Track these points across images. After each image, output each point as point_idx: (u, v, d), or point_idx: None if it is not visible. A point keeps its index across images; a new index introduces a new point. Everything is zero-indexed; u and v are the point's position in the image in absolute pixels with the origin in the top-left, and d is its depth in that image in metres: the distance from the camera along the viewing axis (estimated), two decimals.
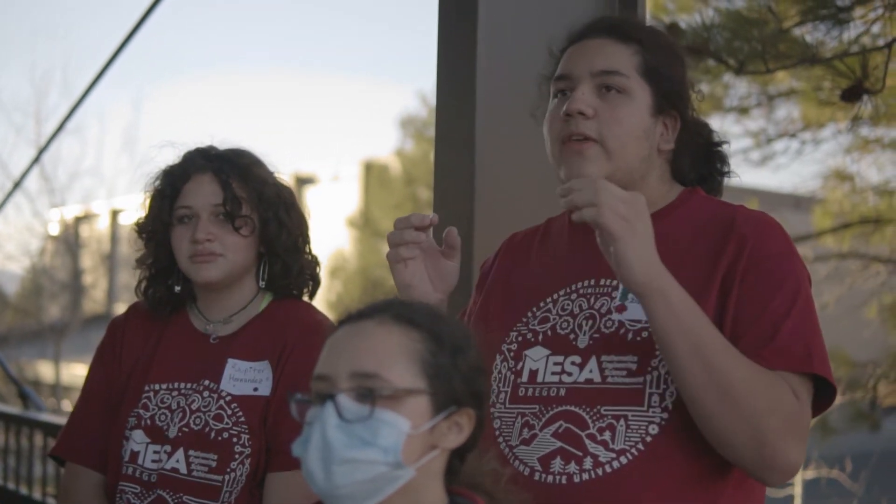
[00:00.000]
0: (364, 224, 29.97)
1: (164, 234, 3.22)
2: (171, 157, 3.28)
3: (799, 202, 11.41)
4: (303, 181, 33.00)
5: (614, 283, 2.69)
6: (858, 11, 5.26)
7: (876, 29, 5.38)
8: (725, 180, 2.95)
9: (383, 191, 30.03)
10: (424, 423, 2.14)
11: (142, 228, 3.29)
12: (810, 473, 11.52)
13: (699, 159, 2.87)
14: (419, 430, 2.13)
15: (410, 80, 60.57)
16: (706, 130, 2.88)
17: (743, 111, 10.50)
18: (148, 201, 3.28)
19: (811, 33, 5.45)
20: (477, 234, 3.63)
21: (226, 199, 3.15)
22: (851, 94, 5.07)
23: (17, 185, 10.30)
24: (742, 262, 2.59)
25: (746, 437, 2.47)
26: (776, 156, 10.96)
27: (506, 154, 3.58)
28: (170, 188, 3.21)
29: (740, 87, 10.02)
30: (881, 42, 5.35)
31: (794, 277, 2.61)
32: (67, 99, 27.44)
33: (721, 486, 2.58)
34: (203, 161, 3.21)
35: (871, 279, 10.06)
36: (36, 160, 11.32)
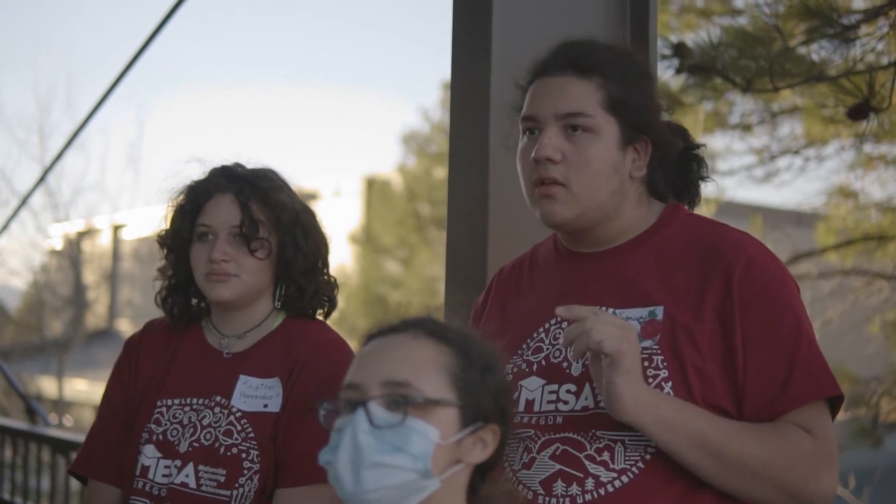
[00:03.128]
0: (366, 240, 29.93)
1: (184, 248, 3.26)
2: (195, 172, 3.32)
3: (802, 219, 11.44)
4: (305, 197, 32.78)
5: (604, 309, 2.70)
6: (864, 30, 5.28)
7: (881, 47, 5.42)
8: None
9: (385, 206, 29.99)
10: (452, 435, 2.18)
11: (163, 241, 3.33)
12: None
13: (673, 170, 2.90)
14: (447, 441, 2.17)
15: (412, 95, 60.57)
16: (679, 137, 2.90)
17: (746, 128, 10.52)
18: (170, 215, 3.31)
19: (817, 52, 5.48)
20: (491, 252, 3.64)
21: (243, 221, 3.17)
22: (858, 112, 5.10)
23: (23, 203, 10.32)
24: (734, 295, 2.62)
25: (776, 494, 2.57)
26: (779, 172, 10.97)
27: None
28: (191, 205, 3.24)
29: (744, 105, 10.04)
30: (886, 60, 5.39)
31: (790, 306, 2.66)
32: (71, 114, 27.47)
33: (717, 493, 2.60)
34: (225, 181, 3.23)
35: (874, 296, 10.06)
36: (42, 179, 11.34)
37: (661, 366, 2.61)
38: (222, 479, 3.09)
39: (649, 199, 2.87)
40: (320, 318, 3.38)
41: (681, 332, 2.62)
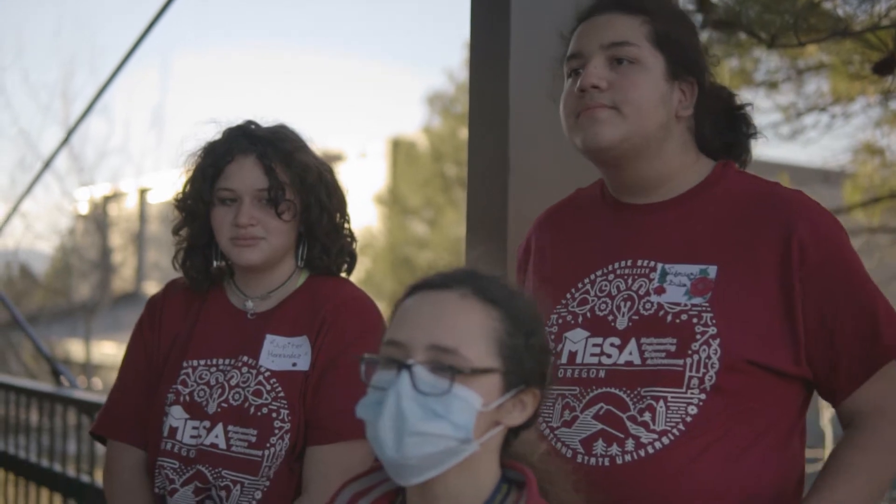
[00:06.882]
0: (392, 201, 29.92)
1: (204, 211, 3.23)
2: (212, 134, 3.28)
3: (828, 176, 11.34)
4: (330, 158, 32.71)
5: (652, 263, 2.73)
6: None
7: None
8: (754, 146, 2.97)
9: (411, 168, 29.97)
10: (494, 401, 2.16)
11: (181, 205, 3.29)
12: None
13: (722, 126, 2.88)
14: (489, 408, 2.15)
15: (438, 57, 60.40)
16: (725, 94, 2.89)
17: (772, 85, 10.43)
18: (188, 177, 3.27)
19: (842, 6, 5.43)
20: (511, 212, 3.62)
21: (271, 185, 3.14)
22: (883, 68, 5.06)
23: (46, 165, 10.33)
24: (798, 257, 2.62)
25: None
26: (806, 130, 10.88)
27: (540, 131, 3.57)
28: (212, 168, 3.20)
29: (770, 62, 9.96)
30: None
31: (856, 263, 2.69)
32: (95, 78, 27.54)
33: (760, 456, 2.61)
34: (247, 143, 3.19)
35: None
36: (65, 141, 11.36)
37: (709, 323, 2.60)
38: (253, 438, 3.09)
39: (697, 151, 2.85)
40: (343, 275, 3.36)
41: (735, 292, 2.62)
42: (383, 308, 2.39)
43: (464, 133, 27.03)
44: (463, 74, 28.34)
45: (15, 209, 11.56)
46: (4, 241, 26.57)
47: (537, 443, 2.38)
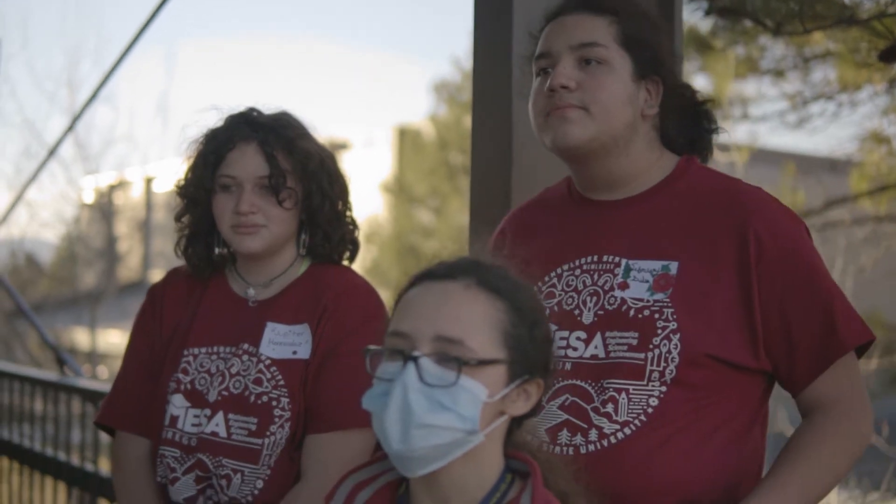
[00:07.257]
0: (398, 190, 29.86)
1: (205, 199, 3.22)
2: (214, 121, 3.27)
3: (835, 165, 11.32)
4: (336, 147, 32.77)
5: (616, 259, 2.79)
6: None
7: None
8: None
9: (417, 156, 29.90)
10: (499, 392, 2.17)
11: (183, 192, 3.28)
12: None
13: (685, 122, 2.93)
14: (495, 399, 2.15)
15: (444, 45, 60.48)
16: (689, 91, 2.94)
17: (779, 73, 10.41)
18: (190, 164, 3.26)
19: None
20: (514, 201, 3.62)
21: (272, 173, 3.13)
22: (890, 55, 5.04)
23: (51, 153, 10.31)
24: (756, 253, 2.68)
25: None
26: (812, 118, 10.85)
27: None
28: (213, 155, 3.19)
29: (776, 50, 9.94)
30: None
31: (816, 260, 2.74)
32: (100, 66, 27.51)
33: (720, 447, 2.67)
34: (248, 130, 3.18)
35: None
36: (70, 129, 11.34)
37: (670, 318, 2.67)
38: (253, 427, 3.09)
39: (661, 148, 2.91)
40: (345, 262, 3.35)
41: (695, 288, 2.69)
42: (388, 297, 2.37)
43: (470, 121, 26.99)
44: (469, 63, 28.21)
45: (20, 197, 11.57)
46: (10, 230, 26.47)
47: (537, 432, 2.37)
